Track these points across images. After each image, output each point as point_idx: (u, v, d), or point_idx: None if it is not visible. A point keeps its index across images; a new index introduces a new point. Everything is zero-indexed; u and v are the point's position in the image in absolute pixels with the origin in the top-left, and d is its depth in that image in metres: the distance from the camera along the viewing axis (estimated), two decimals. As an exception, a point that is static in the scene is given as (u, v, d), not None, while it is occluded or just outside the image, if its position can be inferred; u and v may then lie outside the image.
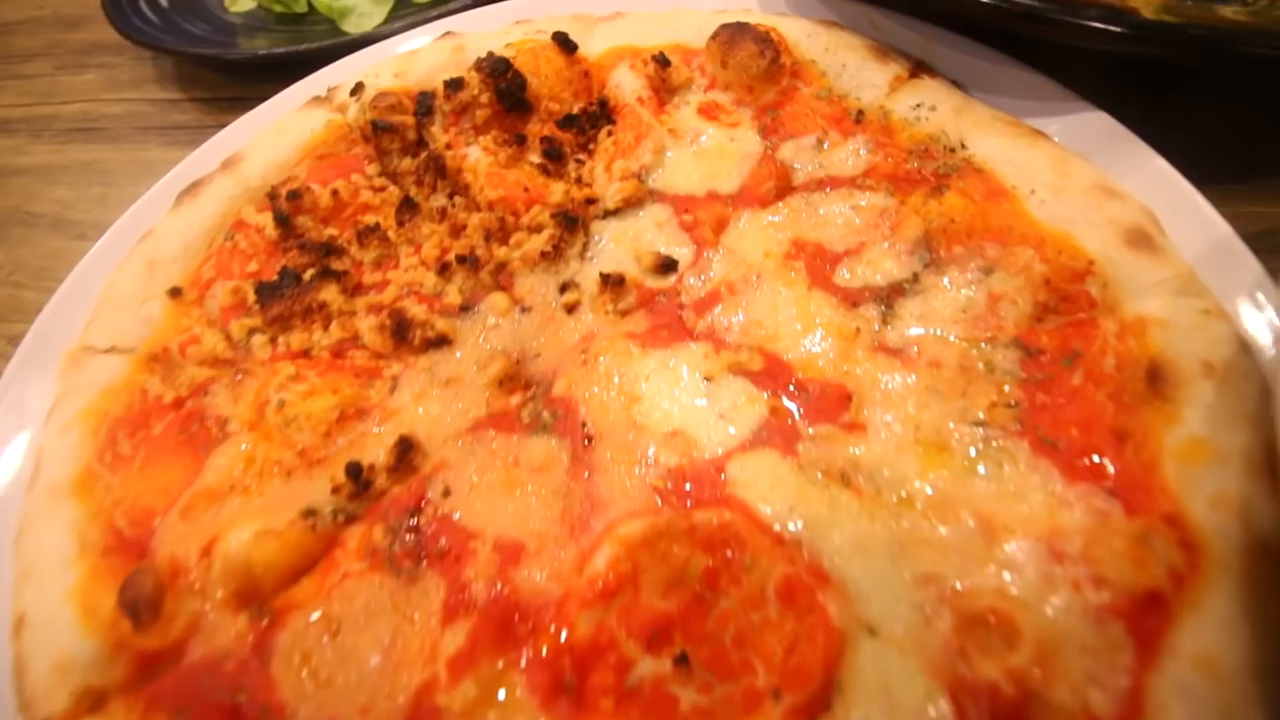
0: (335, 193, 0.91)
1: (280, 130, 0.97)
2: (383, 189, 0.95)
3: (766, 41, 0.94)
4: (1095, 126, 0.85)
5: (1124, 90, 0.88)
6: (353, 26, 1.26)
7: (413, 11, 1.29)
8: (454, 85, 0.97)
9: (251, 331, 0.81)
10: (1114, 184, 0.78)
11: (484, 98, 0.97)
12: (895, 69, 0.93)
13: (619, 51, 1.05)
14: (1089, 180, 0.78)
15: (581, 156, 0.97)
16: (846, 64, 0.95)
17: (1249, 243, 0.76)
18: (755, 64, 0.94)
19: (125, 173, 1.21)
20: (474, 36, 1.07)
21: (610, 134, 0.97)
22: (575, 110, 0.99)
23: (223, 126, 1.27)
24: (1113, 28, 0.77)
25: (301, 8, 1.34)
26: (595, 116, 0.99)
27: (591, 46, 1.07)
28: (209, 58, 1.20)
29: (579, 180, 0.94)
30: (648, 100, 0.98)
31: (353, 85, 1.00)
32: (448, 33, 1.08)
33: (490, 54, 1.00)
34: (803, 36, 0.98)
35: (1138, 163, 0.80)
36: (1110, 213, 0.75)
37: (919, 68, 0.94)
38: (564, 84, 1.01)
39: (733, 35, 0.95)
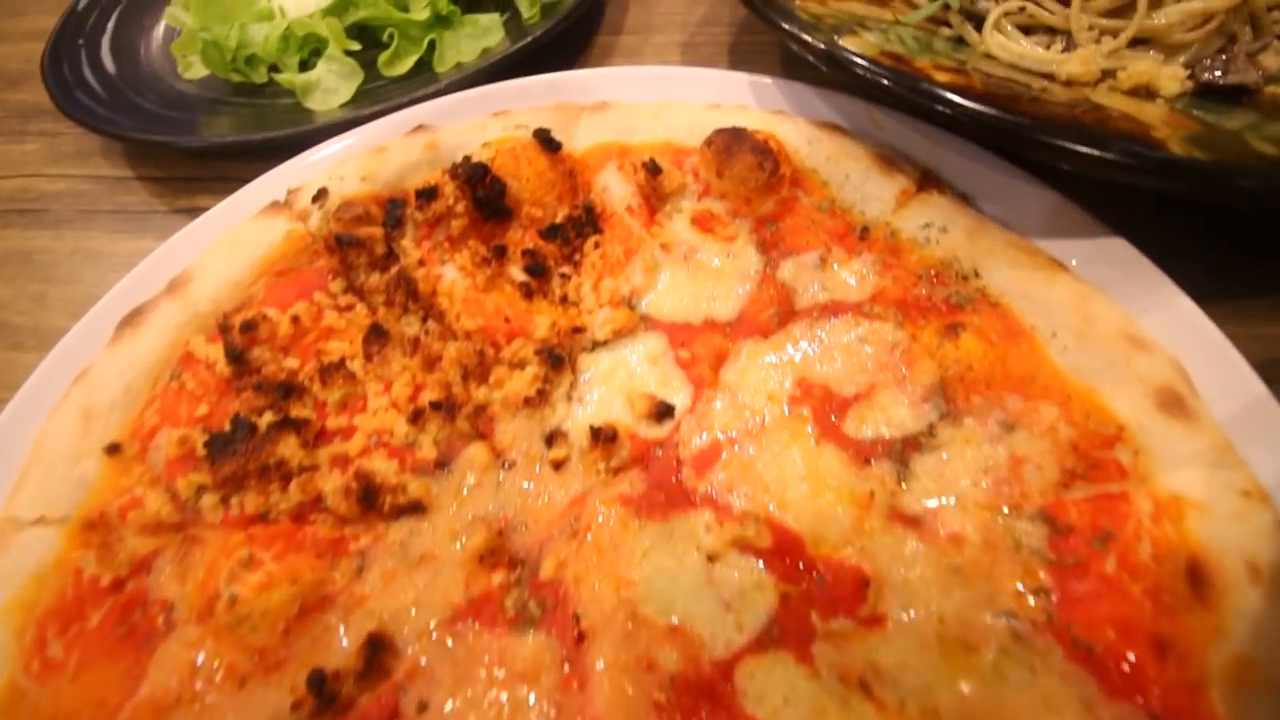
0: (296, 319, 0.83)
1: (234, 243, 0.88)
2: (349, 308, 0.87)
3: (766, 153, 0.87)
4: (1114, 254, 0.79)
5: (1123, 193, 0.83)
6: (317, 103, 1.17)
7: (383, 86, 1.20)
8: (427, 195, 0.89)
9: (200, 490, 0.73)
10: (1140, 331, 0.72)
11: (460, 206, 0.89)
12: (902, 182, 0.87)
13: (606, 149, 0.98)
14: (1114, 326, 0.73)
15: (566, 270, 0.90)
16: (850, 174, 0.89)
17: (1265, 370, 0.72)
18: (754, 177, 0.87)
19: (67, 266, 1.11)
20: (448, 131, 0.99)
21: (597, 245, 0.90)
22: (559, 218, 0.92)
23: (174, 212, 1.18)
24: (1138, 163, 0.72)
25: (261, 78, 1.25)
26: (580, 224, 0.92)
27: (576, 141, 1.00)
28: (161, 144, 1.10)
29: (564, 299, 0.87)
30: (638, 210, 0.91)
31: (315, 191, 0.92)
32: (420, 126, 1.00)
33: (467, 159, 0.92)
34: (803, 143, 0.91)
35: (1161, 299, 0.75)
36: (1139, 368, 0.70)
37: (926, 179, 0.88)
38: (546, 187, 0.94)
39: (729, 144, 0.88)
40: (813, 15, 0.90)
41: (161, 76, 1.30)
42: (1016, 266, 0.79)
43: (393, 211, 0.90)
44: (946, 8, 1.05)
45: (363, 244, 0.87)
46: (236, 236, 0.89)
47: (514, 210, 0.93)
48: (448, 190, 0.89)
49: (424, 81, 1.19)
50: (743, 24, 1.37)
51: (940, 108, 0.78)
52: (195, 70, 1.27)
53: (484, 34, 1.25)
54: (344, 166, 0.95)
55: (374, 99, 1.17)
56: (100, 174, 1.25)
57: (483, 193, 0.90)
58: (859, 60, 0.82)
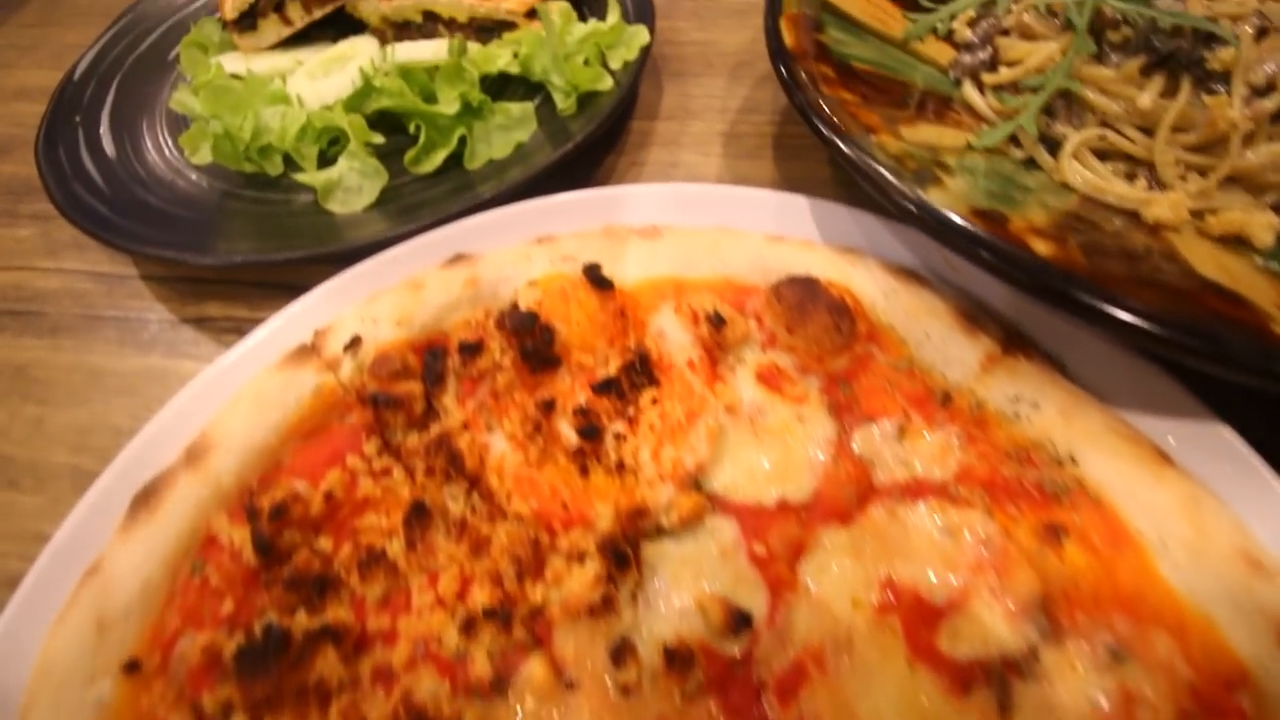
0: (329, 495, 0.76)
1: (258, 402, 0.80)
2: (385, 472, 0.80)
3: (842, 313, 0.81)
4: (1215, 442, 0.74)
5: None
6: (338, 205, 1.09)
7: (408, 183, 1.12)
8: (471, 350, 0.82)
9: (228, 708, 0.66)
10: (1257, 549, 0.67)
11: (506, 360, 0.82)
12: (986, 344, 0.81)
13: (659, 285, 0.91)
14: (1229, 543, 0.67)
15: (620, 428, 0.83)
16: (930, 333, 0.83)
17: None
18: (829, 339, 0.81)
19: (66, 386, 1.03)
20: (489, 262, 0.91)
21: (655, 401, 0.83)
22: (612, 368, 0.85)
23: (183, 321, 1.10)
24: (1264, 366, 0.66)
25: (276, 169, 1.16)
26: (634, 372, 0.85)
27: (626, 270, 0.93)
28: (166, 258, 1.01)
29: (620, 465, 0.80)
30: (698, 364, 0.84)
31: (346, 337, 0.84)
32: (458, 256, 0.92)
33: (514, 307, 0.85)
34: (879, 295, 0.85)
35: (1269, 506, 0.70)
36: (1260, 598, 0.64)
37: (1011, 341, 0.82)
38: (597, 330, 0.87)
39: (802, 300, 0.82)
40: (892, 156, 0.84)
41: (167, 159, 1.21)
42: (1118, 457, 0.74)
43: (432, 365, 0.82)
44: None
45: (401, 404, 0.80)
46: (260, 393, 0.81)
47: (562, 357, 0.86)
48: (493, 344, 0.82)
49: (453, 180, 1.11)
50: (786, 113, 1.30)
51: (1041, 287, 0.72)
52: (203, 155, 1.18)
53: (516, 124, 1.17)
54: (377, 305, 0.87)
55: (400, 199, 1.09)
56: (100, 270, 1.16)
57: (531, 344, 0.83)
58: (951, 222, 0.76)
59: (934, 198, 0.79)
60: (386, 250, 0.95)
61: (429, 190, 1.10)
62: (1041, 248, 0.74)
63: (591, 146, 1.18)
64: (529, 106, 1.18)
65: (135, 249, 1.01)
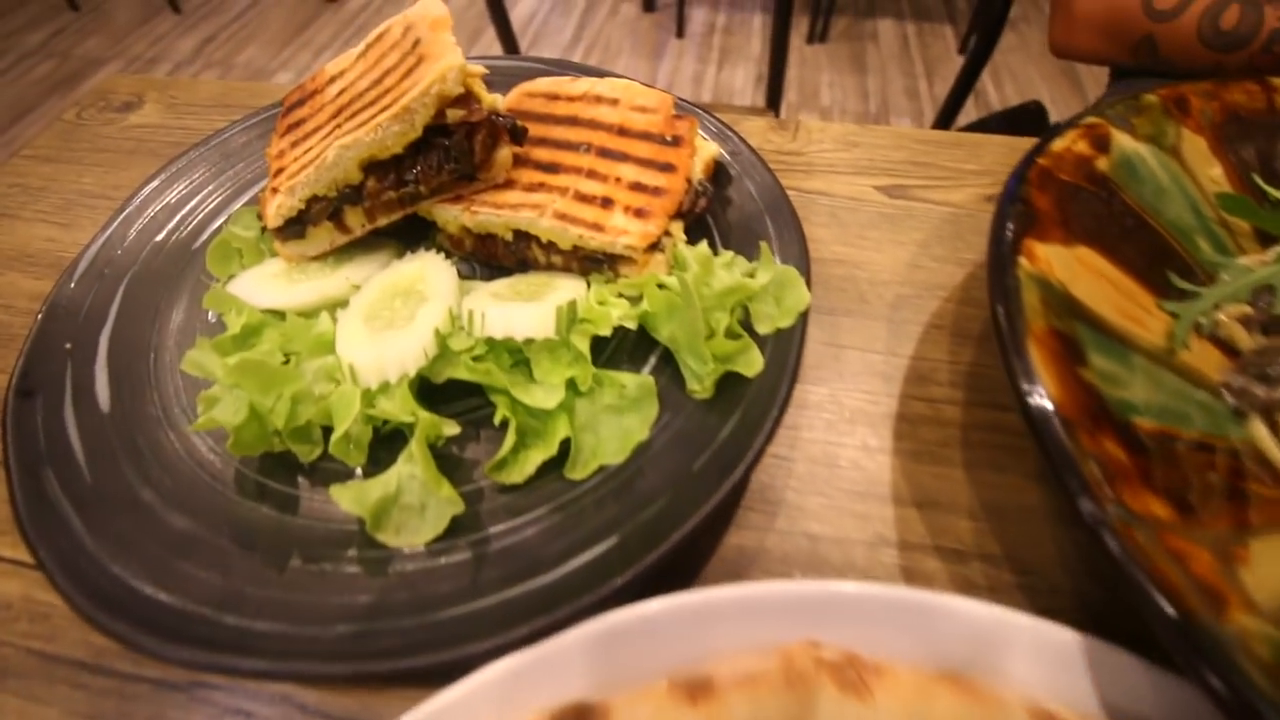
0: None
1: None
2: None
3: None
4: None
5: None
6: (392, 534, 0.79)
7: (489, 498, 0.83)
8: None
9: None
10: None
11: None
12: None
13: (871, 791, 0.61)
14: None
15: None
16: None
17: None
18: None
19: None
20: (618, 735, 0.61)
21: None
22: None
23: (164, 686, 0.81)
24: None
25: (311, 453, 0.86)
26: None
27: (813, 745, 0.63)
28: (148, 652, 0.72)
29: None
30: None
31: None
32: (574, 713, 0.63)
33: None
34: None
35: None
36: None
37: None
38: None
39: None
40: (1267, 669, 0.53)
41: (175, 413, 0.93)
42: None
43: None
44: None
45: None
46: None
47: None
48: None
49: (551, 498, 0.81)
50: (970, 384, 1.01)
51: None
52: (207, 423, 0.89)
53: (631, 406, 0.88)
54: (450, 822, 0.57)
55: (475, 529, 0.80)
56: (70, 575, 0.87)
57: None
58: None
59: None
60: (461, 684, 0.65)
61: (516, 516, 0.81)
62: None
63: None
64: (648, 382, 0.89)
65: (108, 628, 0.71)
